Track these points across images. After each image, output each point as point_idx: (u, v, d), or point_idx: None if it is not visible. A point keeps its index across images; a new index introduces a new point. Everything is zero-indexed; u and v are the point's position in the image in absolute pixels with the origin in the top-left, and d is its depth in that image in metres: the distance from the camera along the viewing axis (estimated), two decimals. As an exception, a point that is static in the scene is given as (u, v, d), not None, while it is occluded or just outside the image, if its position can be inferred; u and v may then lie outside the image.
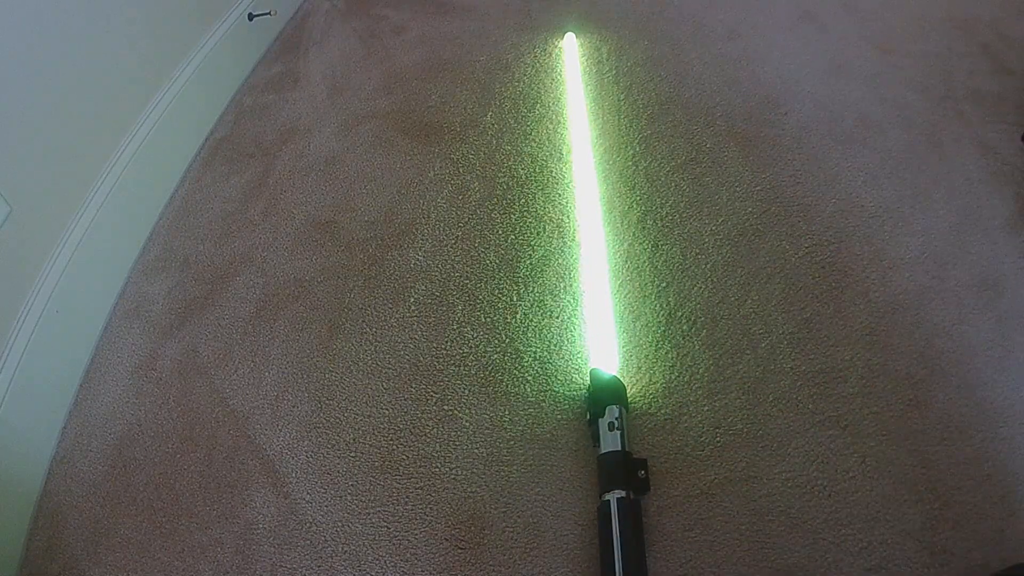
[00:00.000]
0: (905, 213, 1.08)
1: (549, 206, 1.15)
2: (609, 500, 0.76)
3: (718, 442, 0.85)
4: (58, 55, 0.99)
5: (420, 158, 1.27)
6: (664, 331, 0.97)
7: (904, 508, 0.78)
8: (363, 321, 1.03)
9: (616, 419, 0.82)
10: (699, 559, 0.77)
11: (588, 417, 0.86)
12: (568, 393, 0.92)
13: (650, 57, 1.41)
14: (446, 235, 1.13)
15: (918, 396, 0.87)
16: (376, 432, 0.91)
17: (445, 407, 0.92)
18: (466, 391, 0.93)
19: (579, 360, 0.95)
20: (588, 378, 0.91)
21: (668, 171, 1.18)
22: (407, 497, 0.85)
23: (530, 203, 1.16)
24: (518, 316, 1.01)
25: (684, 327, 0.97)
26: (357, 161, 1.28)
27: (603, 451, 0.82)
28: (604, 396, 0.85)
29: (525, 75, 1.41)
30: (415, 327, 1.01)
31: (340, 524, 0.83)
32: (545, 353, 0.96)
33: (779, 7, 1.52)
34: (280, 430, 0.93)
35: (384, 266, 1.10)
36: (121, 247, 1.15)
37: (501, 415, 0.91)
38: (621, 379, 0.89)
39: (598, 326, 0.96)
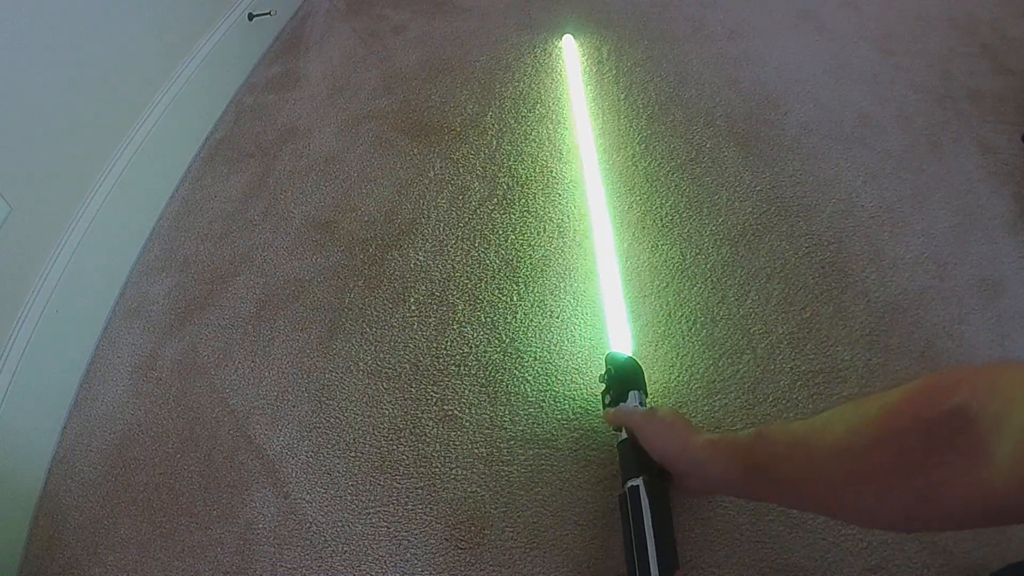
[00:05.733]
0: (905, 213, 1.08)
1: (550, 206, 1.15)
2: (637, 485, 0.72)
3: (718, 442, 0.85)
4: (58, 55, 0.99)
5: (420, 158, 1.27)
6: (664, 331, 0.97)
7: (904, 508, 0.78)
8: (363, 321, 1.03)
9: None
10: (699, 559, 0.77)
11: (607, 402, 0.83)
12: (568, 393, 0.92)
13: (650, 57, 1.41)
14: (447, 235, 1.13)
15: (918, 396, 0.87)
16: (376, 432, 0.91)
17: (445, 407, 0.92)
18: (466, 391, 0.93)
19: (580, 360, 0.95)
20: (603, 365, 0.88)
21: (668, 171, 1.18)
22: (407, 497, 0.85)
23: (531, 203, 1.16)
24: (519, 316, 1.01)
25: (684, 327, 0.97)
26: (357, 161, 1.28)
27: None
28: (626, 381, 0.82)
29: (525, 75, 1.41)
30: (415, 327, 1.01)
31: (340, 524, 0.83)
32: (546, 353, 0.96)
33: (779, 7, 1.52)
34: (280, 430, 0.93)
35: (384, 266, 1.10)
36: (121, 247, 1.15)
37: (501, 415, 0.91)
38: (639, 362, 0.86)
39: (613, 311, 0.95)
